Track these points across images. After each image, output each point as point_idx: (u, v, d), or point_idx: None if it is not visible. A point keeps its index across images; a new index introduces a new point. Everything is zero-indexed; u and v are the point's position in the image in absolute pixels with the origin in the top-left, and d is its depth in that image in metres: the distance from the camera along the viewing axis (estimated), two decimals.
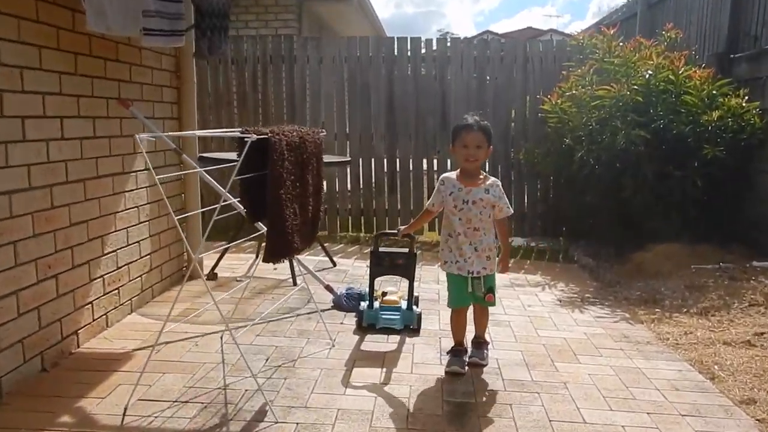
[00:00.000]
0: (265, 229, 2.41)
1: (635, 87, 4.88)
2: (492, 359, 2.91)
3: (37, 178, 2.74)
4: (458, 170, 2.85)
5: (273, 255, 2.34)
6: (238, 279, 4.26)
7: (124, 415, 2.33)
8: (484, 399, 2.51)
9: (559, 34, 28.69)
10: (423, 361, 2.89)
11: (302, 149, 2.51)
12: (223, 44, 3.90)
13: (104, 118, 3.28)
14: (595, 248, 5.37)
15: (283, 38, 6.15)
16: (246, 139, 2.15)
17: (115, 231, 3.39)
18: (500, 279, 4.39)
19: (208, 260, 4.46)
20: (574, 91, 5.23)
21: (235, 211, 2.48)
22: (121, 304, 3.46)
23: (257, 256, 4.80)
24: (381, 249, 3.34)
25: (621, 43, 5.41)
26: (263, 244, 4.68)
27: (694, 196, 4.73)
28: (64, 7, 2.90)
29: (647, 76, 4.92)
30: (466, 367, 2.81)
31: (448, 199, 2.80)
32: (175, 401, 2.45)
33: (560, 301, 3.96)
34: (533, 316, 3.63)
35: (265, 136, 2.25)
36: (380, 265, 3.32)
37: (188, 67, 4.19)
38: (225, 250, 4.48)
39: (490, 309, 3.62)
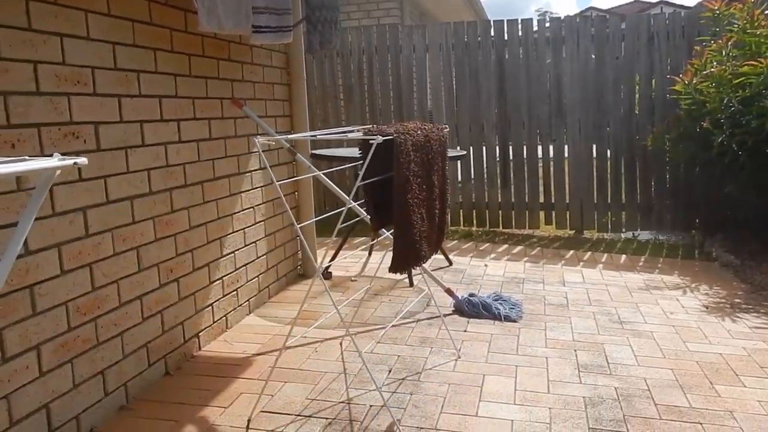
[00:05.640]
0: (391, 236, 2.23)
1: None
2: (640, 379, 2.58)
3: (157, 183, 2.72)
4: None
5: (401, 265, 2.15)
6: (352, 279, 4.14)
7: (247, 428, 2.25)
8: (638, 430, 2.21)
9: (671, 5, 26.72)
10: (559, 378, 2.61)
11: (427, 149, 2.30)
12: (334, 37, 3.78)
13: (219, 119, 3.24)
14: (736, 243, 4.82)
15: (388, 27, 5.98)
16: (371, 141, 1.97)
17: (233, 232, 3.36)
18: (634, 281, 4.03)
19: (321, 255, 4.38)
20: (711, 69, 4.69)
21: (358, 218, 2.32)
22: (240, 306, 3.44)
23: (370, 254, 4.68)
24: None
25: (767, 12, 4.79)
26: (374, 242, 4.55)
27: None
28: (176, 8, 2.85)
29: None
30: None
31: None
32: (299, 415, 2.34)
33: (707, 308, 3.53)
34: (678, 325, 3.23)
35: (390, 137, 2.06)
36: None
37: (298, 62, 4.10)
38: (340, 248, 4.39)
39: (626, 317, 3.28)
